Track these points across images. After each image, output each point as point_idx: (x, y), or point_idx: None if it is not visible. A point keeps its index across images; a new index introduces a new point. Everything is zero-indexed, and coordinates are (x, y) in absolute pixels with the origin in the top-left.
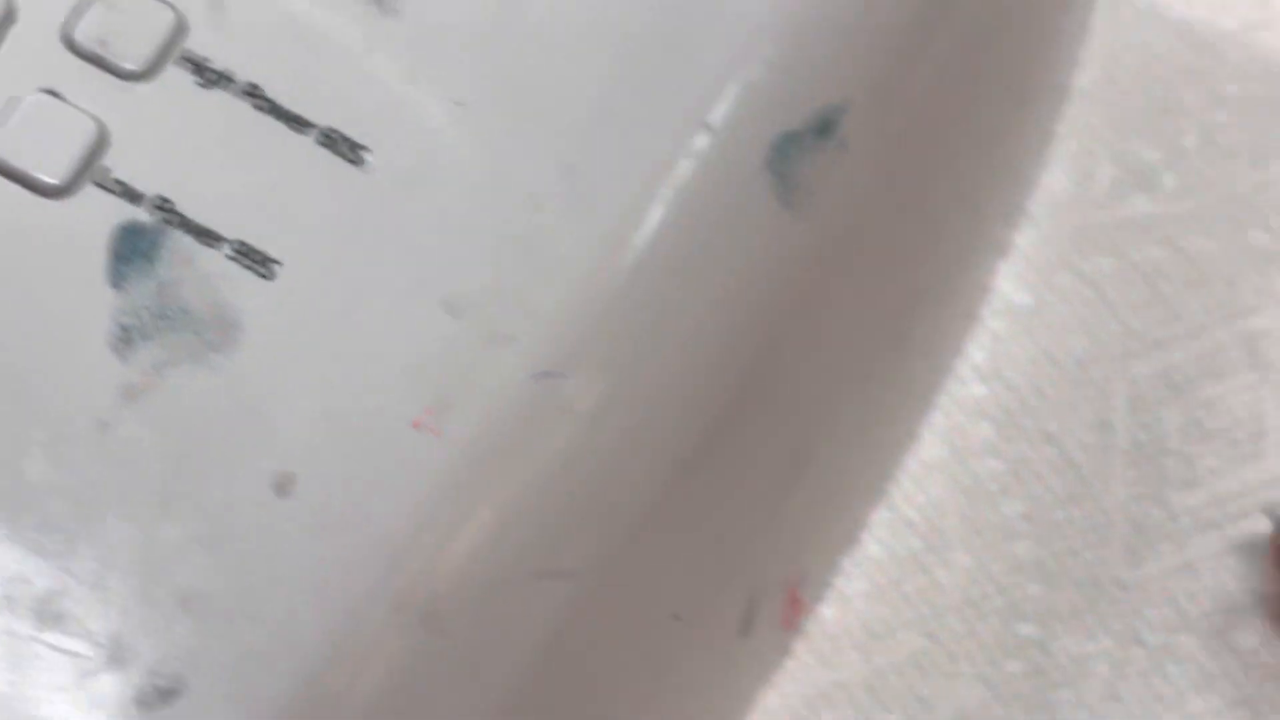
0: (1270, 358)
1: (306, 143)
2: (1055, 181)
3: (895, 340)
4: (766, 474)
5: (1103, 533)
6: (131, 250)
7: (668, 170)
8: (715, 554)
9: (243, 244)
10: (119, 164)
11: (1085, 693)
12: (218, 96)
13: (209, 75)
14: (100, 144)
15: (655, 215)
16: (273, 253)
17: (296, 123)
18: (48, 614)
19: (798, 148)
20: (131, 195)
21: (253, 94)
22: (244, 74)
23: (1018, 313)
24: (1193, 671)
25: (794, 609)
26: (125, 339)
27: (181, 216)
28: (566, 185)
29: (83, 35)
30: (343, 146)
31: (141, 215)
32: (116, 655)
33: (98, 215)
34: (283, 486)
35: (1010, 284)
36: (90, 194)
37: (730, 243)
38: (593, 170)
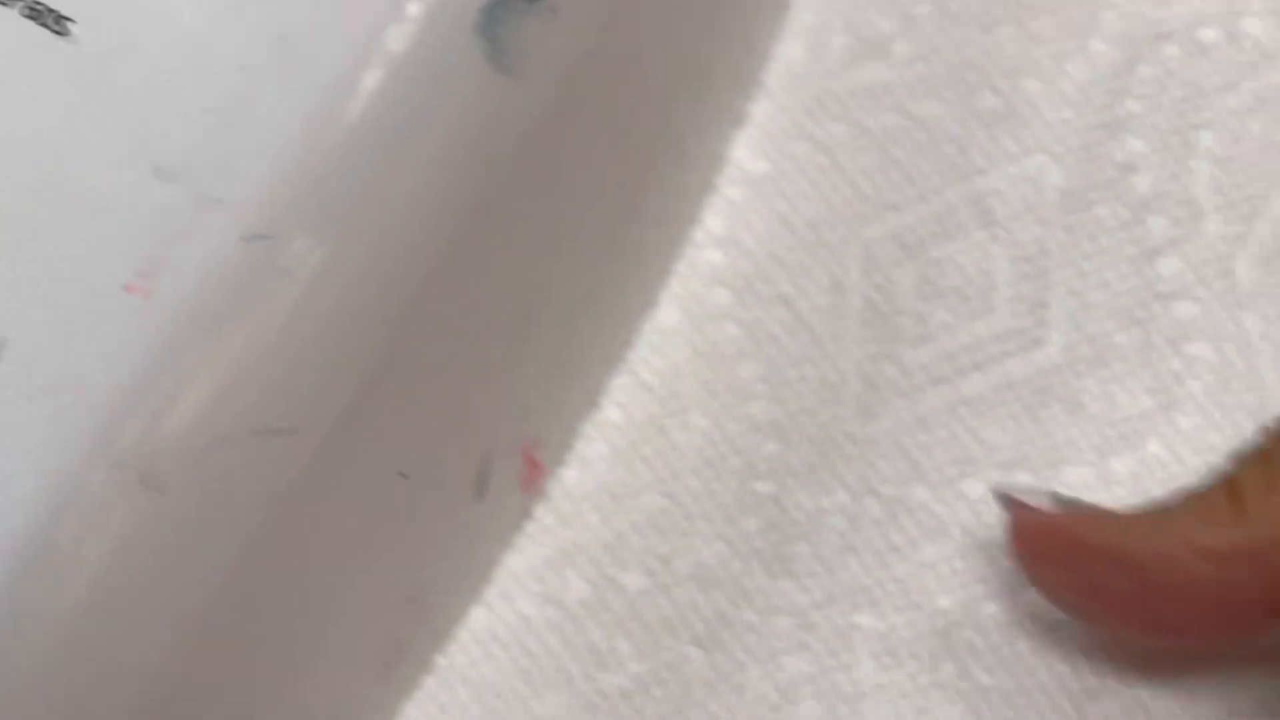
0: (999, 216)
1: (11, 15)
2: (790, 52)
3: (626, 207)
4: (492, 337)
5: (837, 391)
6: None
7: (378, 35)
8: (442, 414)
9: None
10: None
11: (821, 545)
12: None
13: None
14: None
15: (368, 80)
16: None
17: None
18: None
19: (508, 11)
20: None
21: None
22: None
23: (754, 181)
24: (925, 520)
25: (532, 472)
26: None
27: None
28: (276, 52)
29: None
30: (48, 18)
31: None
32: None
33: None
34: None
35: (746, 153)
36: None
37: (444, 107)
38: (303, 37)
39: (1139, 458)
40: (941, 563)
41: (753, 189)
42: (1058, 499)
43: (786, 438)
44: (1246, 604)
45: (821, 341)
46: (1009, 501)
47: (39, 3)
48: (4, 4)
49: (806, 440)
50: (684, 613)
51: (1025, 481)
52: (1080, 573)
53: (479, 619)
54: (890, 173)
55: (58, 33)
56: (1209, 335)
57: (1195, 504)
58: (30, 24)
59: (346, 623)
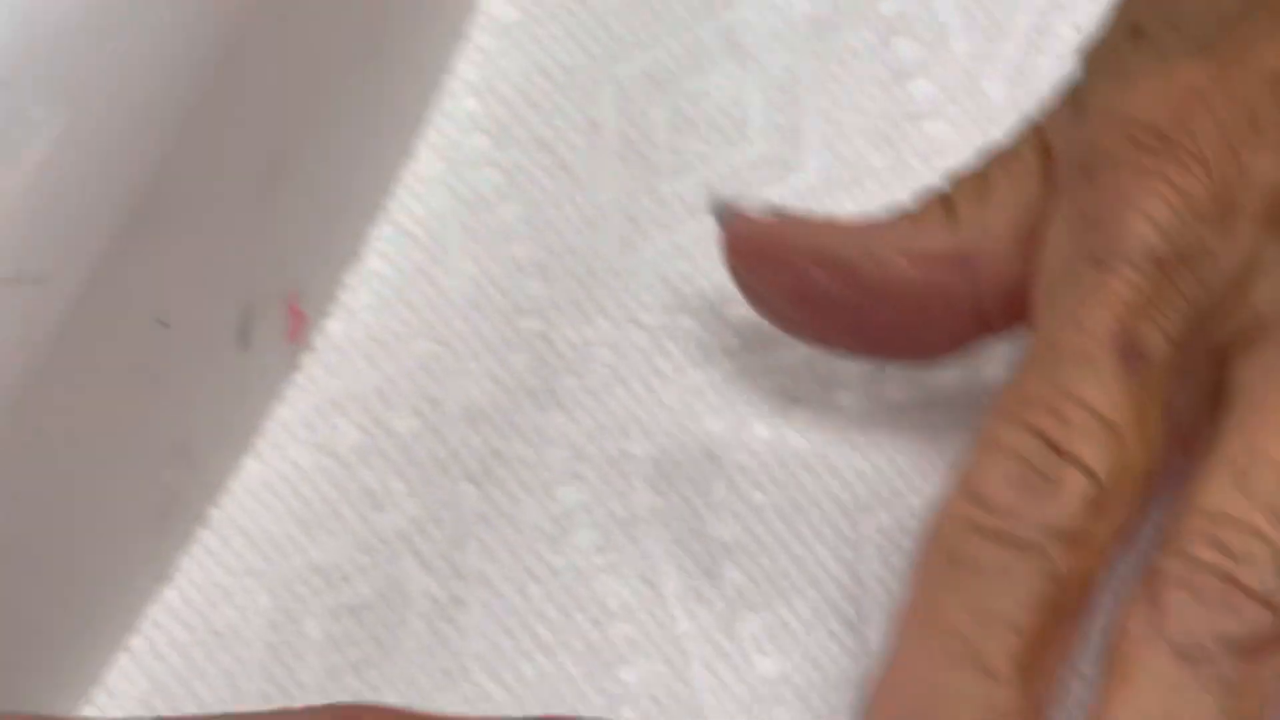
0: (749, 47)
1: None
2: None
3: (370, 54)
4: (244, 186)
5: (597, 226)
6: None
7: None
8: (198, 263)
9: None
10: None
11: (588, 377)
12: None
13: None
14: None
15: None
16: None
17: None
18: None
19: None
20: None
21: None
22: None
23: (505, 28)
24: (691, 347)
25: (296, 323)
26: None
27: None
28: None
29: None
30: None
31: None
32: None
33: None
34: None
35: (496, 0)
36: None
37: None
38: None
39: None
40: (709, 388)
41: (504, 36)
42: (774, 209)
43: (550, 275)
44: (953, 311)
45: (580, 180)
46: (727, 213)
47: None
48: None
49: (570, 276)
50: (456, 451)
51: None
52: (792, 277)
53: (252, 470)
54: (639, 11)
55: None
56: (962, 153)
57: (908, 215)
58: None
59: (114, 474)
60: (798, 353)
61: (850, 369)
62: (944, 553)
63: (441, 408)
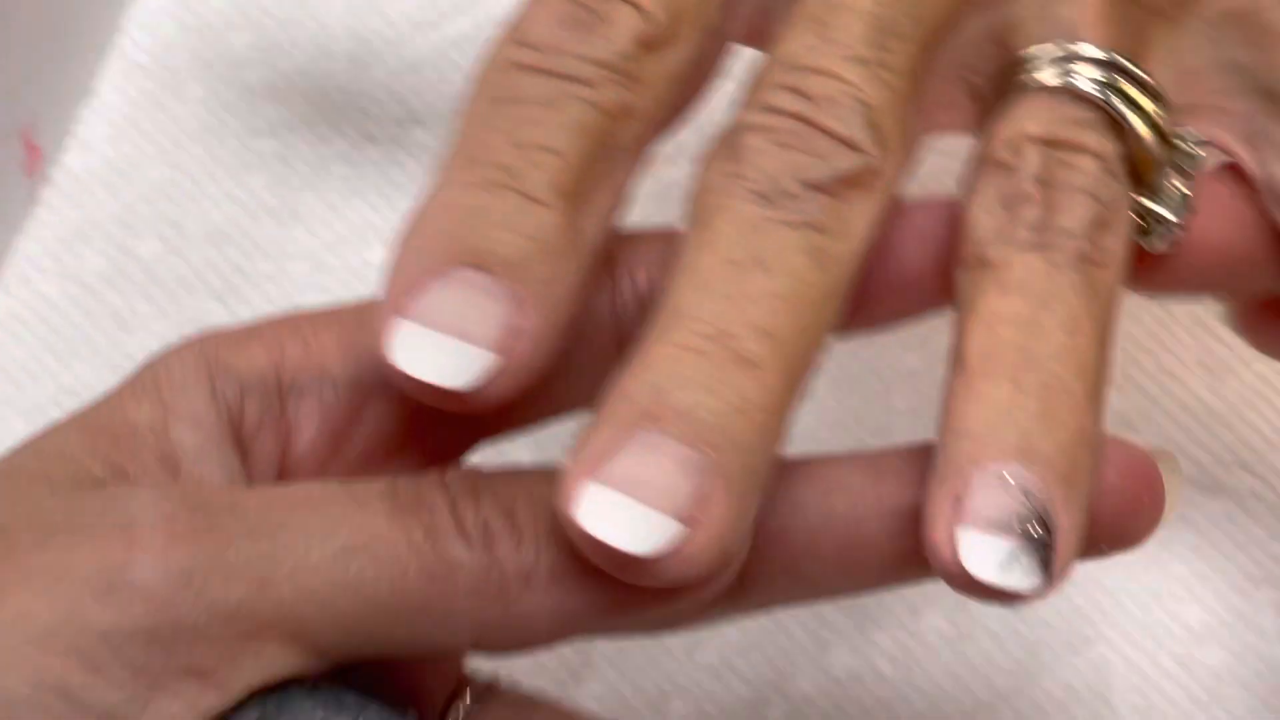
0: None
1: None
2: None
3: None
4: None
5: (326, 48)
6: None
7: None
8: None
9: None
10: None
11: (327, 192)
12: None
13: None
14: None
15: None
16: None
17: None
18: None
19: None
20: None
21: None
22: None
23: None
24: (425, 157)
25: (33, 156)
26: None
27: None
28: None
29: None
30: None
31: None
32: None
33: None
34: None
35: None
36: None
37: None
38: None
39: None
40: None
41: None
42: None
43: (284, 98)
44: None
45: (307, 4)
46: None
47: None
48: None
49: (303, 98)
50: (200, 271)
51: None
52: None
53: (0, 304)
54: None
55: None
56: None
57: None
58: None
59: None
60: None
61: None
62: (487, 94)
63: (183, 230)
